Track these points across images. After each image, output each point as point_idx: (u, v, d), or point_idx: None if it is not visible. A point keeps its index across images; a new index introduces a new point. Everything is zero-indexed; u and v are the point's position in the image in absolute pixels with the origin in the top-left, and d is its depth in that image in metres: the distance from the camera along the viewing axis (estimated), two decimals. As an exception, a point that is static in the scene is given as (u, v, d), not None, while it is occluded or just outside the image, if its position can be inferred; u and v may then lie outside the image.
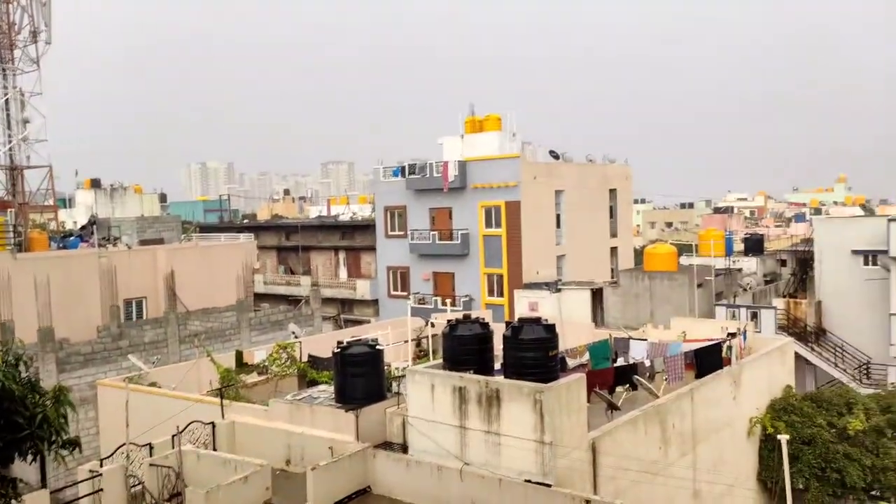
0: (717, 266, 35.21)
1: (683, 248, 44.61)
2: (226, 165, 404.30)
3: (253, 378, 20.76)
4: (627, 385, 17.78)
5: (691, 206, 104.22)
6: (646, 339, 21.66)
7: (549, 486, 13.01)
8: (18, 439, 7.66)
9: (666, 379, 18.34)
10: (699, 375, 18.52)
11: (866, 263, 31.43)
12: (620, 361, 19.79)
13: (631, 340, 21.40)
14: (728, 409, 19.04)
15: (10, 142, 39.05)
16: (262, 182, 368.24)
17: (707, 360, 19.05)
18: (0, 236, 30.98)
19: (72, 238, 39.54)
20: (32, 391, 7.98)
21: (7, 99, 38.75)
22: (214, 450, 16.41)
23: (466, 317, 15.32)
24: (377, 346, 16.40)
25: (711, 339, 20.32)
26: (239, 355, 22.14)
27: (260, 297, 45.75)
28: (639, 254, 45.01)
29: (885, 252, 29.71)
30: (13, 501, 8.12)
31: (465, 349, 14.63)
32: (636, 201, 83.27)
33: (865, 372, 30.47)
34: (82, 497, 15.56)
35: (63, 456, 8.10)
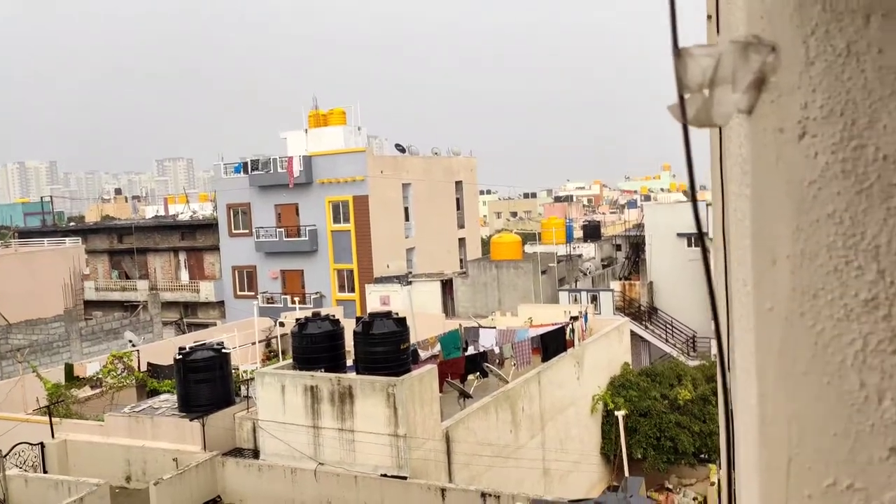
0: (559, 253, 36.86)
1: (528, 237, 46.41)
2: (47, 164, 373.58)
3: (86, 392, 19.33)
4: (478, 373, 18.21)
5: (534, 195, 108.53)
6: (495, 327, 22.29)
7: (405, 478, 13.08)
8: None
9: (514, 364, 18.96)
10: (545, 359, 19.30)
11: (689, 245, 34.07)
12: (471, 350, 20.23)
13: (480, 329, 21.95)
14: (572, 389, 20.00)
15: None
16: (90, 181, 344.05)
17: (552, 344, 19.90)
18: None
19: None
20: None
21: None
22: (45, 472, 15.16)
23: (316, 314, 15.08)
24: (223, 350, 15.76)
25: (556, 324, 21.22)
26: (69, 369, 20.49)
27: (92, 305, 42.64)
28: (486, 244, 46.25)
29: (706, 234, 32.27)
30: None
31: (315, 347, 14.39)
32: (482, 192, 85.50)
33: (692, 345, 33.08)
34: None
35: None
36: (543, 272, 32.30)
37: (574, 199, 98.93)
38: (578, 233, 48.16)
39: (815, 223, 0.80)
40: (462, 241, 45.41)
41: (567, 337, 20.61)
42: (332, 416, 13.62)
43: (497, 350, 19.29)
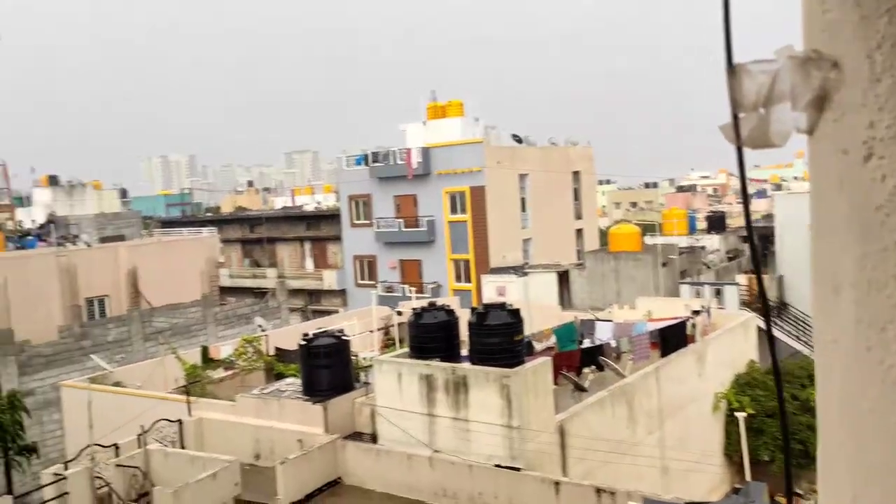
0: (681, 244, 35.65)
1: (648, 228, 45.13)
2: (188, 158, 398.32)
3: (219, 374, 20.55)
4: (594, 366, 17.93)
5: (655, 185, 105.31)
6: (611, 320, 21.87)
7: (518, 469, 13.11)
8: (-29, 448, 7.48)
9: (632, 359, 18.55)
10: (664, 354, 18.76)
11: (825, 237, 32.01)
12: (587, 343, 19.95)
13: (597, 322, 21.60)
14: (693, 386, 19.33)
15: (-40, 140, 37.98)
16: (225, 174, 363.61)
17: (672, 339, 19.31)
18: (-47, 238, 30.17)
19: (29, 238, 38.65)
20: (-15, 398, 7.79)
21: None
22: (182, 448, 16.25)
23: (432, 304, 15.33)
24: (343, 337, 16.33)
25: (676, 318, 20.58)
26: (205, 351, 21.88)
27: (225, 291, 45.24)
28: (604, 235, 45.38)
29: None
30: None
31: (430, 337, 14.64)
32: (600, 182, 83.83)
33: (826, 343, 31.11)
34: (48, 501, 15.31)
35: (20, 462, 7.94)
36: (664, 264, 31.35)
37: (698, 188, 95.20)
38: (702, 224, 46.34)
39: (882, 251, 0.74)
40: (579, 231, 44.78)
41: (688, 332, 19.94)
42: (447, 404, 13.84)
43: (614, 343, 18.93)
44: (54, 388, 24.00)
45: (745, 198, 0.83)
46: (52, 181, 61.42)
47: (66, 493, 14.55)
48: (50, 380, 25.52)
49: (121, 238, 38.75)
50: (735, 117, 0.78)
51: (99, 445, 15.40)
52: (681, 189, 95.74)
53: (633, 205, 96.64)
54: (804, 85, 0.75)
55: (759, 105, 0.76)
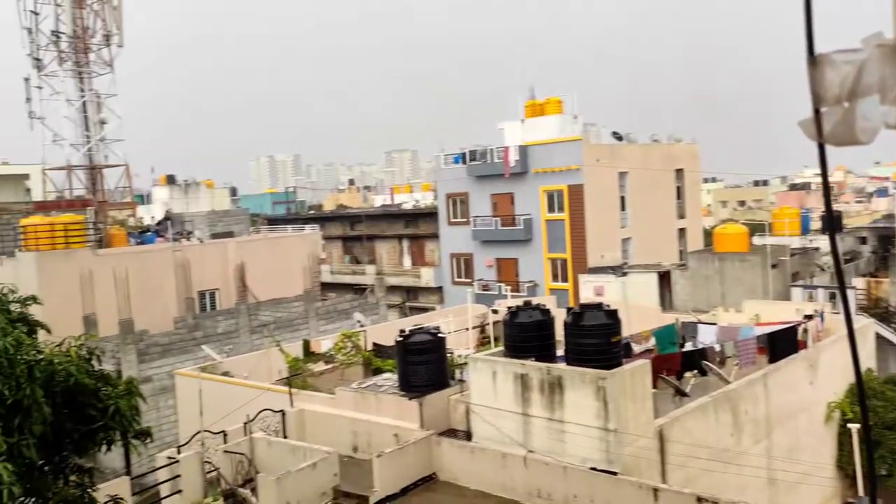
0: (793, 245, 33.97)
1: (757, 228, 43.25)
2: (293, 157, 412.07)
3: (320, 367, 21.17)
4: (696, 371, 17.37)
5: (765, 183, 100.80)
6: (715, 323, 21.12)
7: (615, 473, 12.86)
8: (93, 430, 8.02)
9: (737, 364, 17.86)
10: (773, 360, 17.95)
11: (954, 239, 29.82)
12: (689, 346, 19.35)
13: (699, 324, 20.90)
14: (804, 394, 18.40)
15: (88, 142, 40.67)
16: (328, 172, 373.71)
17: (781, 344, 18.45)
18: (81, 234, 32.35)
19: (148, 234, 41.04)
20: (106, 384, 8.33)
21: (84, 101, 40.34)
22: (284, 437, 16.84)
23: (527, 303, 15.24)
24: (439, 334, 16.48)
25: (786, 322, 19.65)
26: (306, 344, 22.60)
27: (326, 287, 46.54)
28: (709, 234, 43.83)
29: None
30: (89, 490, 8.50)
31: (526, 336, 14.56)
32: (706, 180, 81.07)
33: (954, 353, 28.95)
34: (162, 482, 16.23)
35: (136, 446, 8.44)
36: (773, 266, 29.98)
37: (812, 186, 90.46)
38: (816, 224, 44.00)
39: None
40: (682, 231, 43.46)
41: (799, 337, 18.99)
42: (542, 405, 13.74)
43: (718, 348, 18.27)
44: (169, 376, 25.40)
45: (828, 198, 0.79)
46: (170, 180, 65.04)
47: (178, 476, 15.37)
48: (166, 368, 27.00)
49: (230, 234, 40.53)
50: (817, 112, 0.73)
51: (208, 432, 16.17)
52: (793, 187, 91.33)
53: (741, 203, 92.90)
54: (894, 76, 0.70)
55: (844, 99, 0.72)
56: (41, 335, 8.49)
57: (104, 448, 8.31)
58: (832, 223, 0.87)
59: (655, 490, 12.38)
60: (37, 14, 38.83)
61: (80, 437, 8.07)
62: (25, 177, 50.48)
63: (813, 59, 0.72)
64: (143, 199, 67.60)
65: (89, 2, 39.97)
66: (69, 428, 8.02)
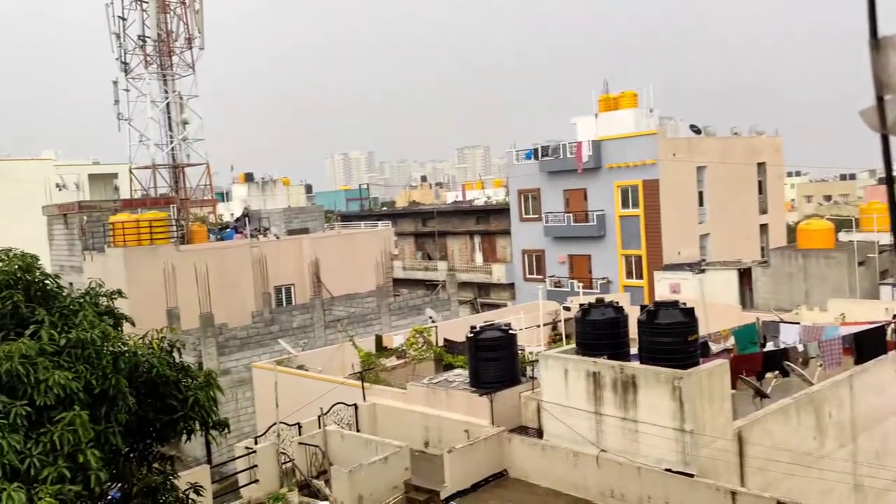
0: (882, 242, 32.36)
1: (843, 224, 41.42)
2: (366, 155, 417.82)
3: (392, 362, 21.41)
4: (777, 371, 16.77)
5: (853, 177, 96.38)
6: (798, 323, 20.35)
7: (691, 476, 12.56)
8: (174, 420, 8.33)
9: (821, 365, 17.15)
10: (859, 361, 17.16)
11: None
12: (770, 346, 18.70)
13: (781, 323, 20.18)
14: (894, 397, 17.53)
15: (171, 142, 42.24)
16: (401, 169, 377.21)
17: (869, 345, 17.61)
18: (165, 230, 33.65)
19: (227, 230, 42.33)
20: (186, 375, 8.64)
21: (168, 102, 41.91)
22: (357, 430, 17.11)
23: (599, 300, 15.01)
24: (510, 331, 16.43)
25: (874, 322, 18.76)
26: (378, 339, 22.89)
27: (399, 283, 47.01)
28: (792, 230, 42.23)
29: None
30: (171, 478, 8.83)
31: (598, 334, 14.36)
32: (789, 174, 78.10)
33: None
34: (240, 471, 16.74)
35: (214, 436, 8.72)
36: (861, 263, 28.64)
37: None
38: (908, 219, 41.72)
39: None
40: (764, 227, 42.01)
41: (888, 338, 18.10)
42: (615, 404, 13.52)
43: (800, 348, 17.58)
44: (247, 369, 26.16)
45: (892, 193, 0.74)
46: (248, 178, 66.89)
47: (255, 466, 15.82)
48: (244, 360, 27.81)
49: (305, 231, 41.40)
50: (880, 100, 0.68)
51: (284, 424, 16.59)
52: (882, 181, 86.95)
53: (827, 198, 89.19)
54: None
55: (913, 85, 0.66)
56: (126, 328, 8.87)
57: (185, 437, 8.63)
58: (895, 216, 0.81)
59: (733, 493, 12.03)
60: (124, 20, 40.55)
61: (162, 426, 8.40)
62: (114, 176, 52.85)
63: (876, 43, 0.67)
64: (223, 196, 69.77)
65: (173, 6, 41.48)
66: (152, 417, 8.35)
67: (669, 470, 12.76)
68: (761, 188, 42.20)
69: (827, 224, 32.52)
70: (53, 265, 36.30)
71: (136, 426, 8.25)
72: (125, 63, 40.71)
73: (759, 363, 16.67)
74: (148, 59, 40.88)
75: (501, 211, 49.28)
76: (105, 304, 8.77)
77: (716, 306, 23.21)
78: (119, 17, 40.51)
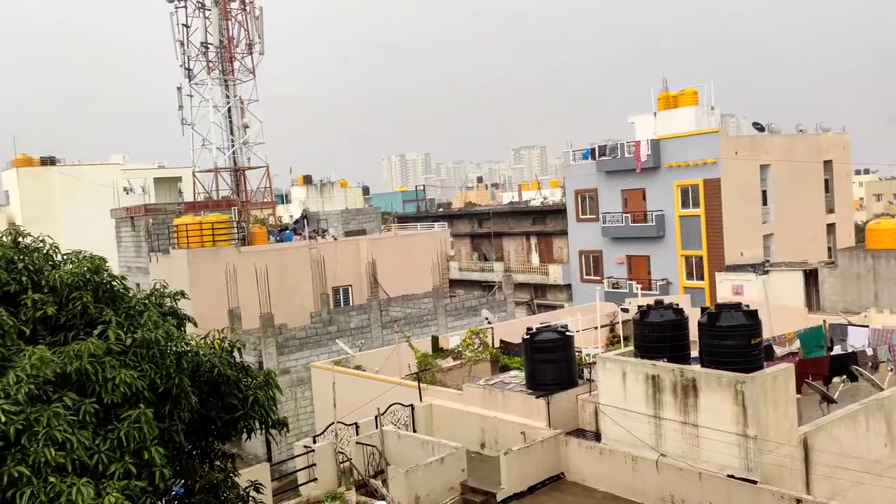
0: (959, 241, 30.92)
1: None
2: (423, 156, 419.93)
3: (448, 363, 21.44)
4: (845, 376, 16.19)
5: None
6: (868, 326, 19.60)
7: (754, 482, 12.23)
8: (234, 419, 8.51)
9: (891, 369, 16.50)
10: (934, 366, 16.45)
11: None
12: (837, 350, 18.08)
13: (850, 327, 19.48)
14: (972, 405, 16.73)
15: (233, 146, 43.22)
16: (457, 170, 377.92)
17: (944, 349, 16.87)
18: (226, 232, 34.43)
19: (287, 232, 43.08)
20: (246, 375, 8.81)
21: (229, 107, 42.89)
22: (413, 431, 17.18)
23: (659, 302, 14.75)
24: (567, 333, 16.27)
25: (950, 326, 17.95)
26: (435, 340, 22.95)
27: (455, 284, 47.05)
28: (861, 230, 40.74)
29: None
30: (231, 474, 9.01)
31: (657, 336, 14.10)
32: (857, 172, 75.38)
33: None
34: (299, 470, 17.00)
35: (273, 434, 8.88)
36: (936, 264, 27.42)
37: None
38: None
39: None
40: (831, 227, 40.63)
41: (965, 342, 17.29)
42: (675, 408, 13.25)
43: (870, 352, 16.95)
44: (306, 368, 26.56)
45: None
46: (307, 180, 67.99)
47: (314, 465, 16.04)
48: (303, 360, 28.24)
49: (363, 232, 41.83)
50: None
51: (342, 423, 16.78)
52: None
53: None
54: None
55: None
56: (188, 328, 9.10)
57: (245, 436, 8.80)
58: None
59: (798, 501, 11.68)
60: (188, 27, 41.67)
61: (223, 424, 8.58)
62: (178, 179, 54.35)
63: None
64: (283, 198, 71.05)
65: (234, 13, 42.45)
66: (213, 416, 8.54)
67: (732, 476, 12.46)
68: (828, 187, 40.84)
69: (898, 223, 31.23)
70: (121, 267, 37.55)
71: (199, 424, 8.45)
72: (189, 69, 41.83)
73: (826, 367, 16.12)
74: (210, 65, 41.92)
75: (558, 211, 48.88)
76: (169, 304, 9.01)
77: (780, 308, 22.54)
78: (183, 24, 41.64)
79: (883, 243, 28.95)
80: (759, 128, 39.71)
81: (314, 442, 16.83)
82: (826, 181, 40.76)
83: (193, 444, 8.77)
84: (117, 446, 7.10)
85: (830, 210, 40.78)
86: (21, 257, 8.44)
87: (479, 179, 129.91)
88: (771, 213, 38.16)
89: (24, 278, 8.22)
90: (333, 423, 16.73)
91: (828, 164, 40.67)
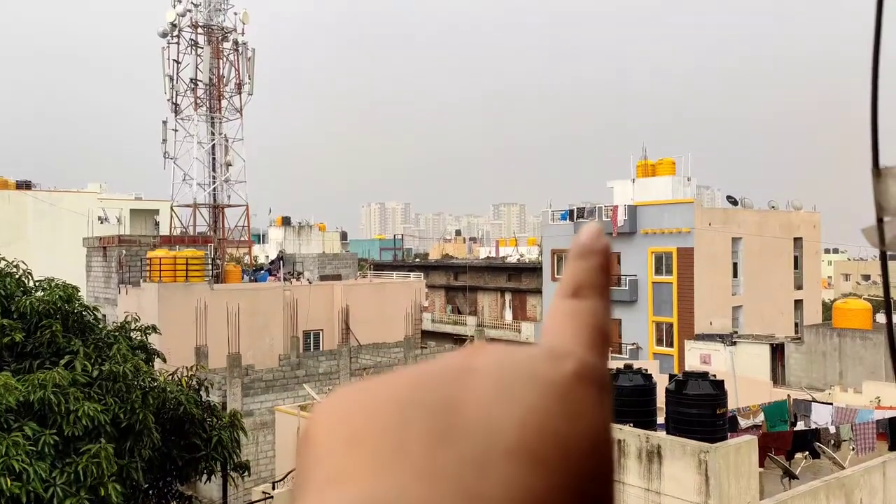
0: (922, 325, 31.60)
1: (881, 305, 40.61)
2: (403, 205, 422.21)
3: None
4: (807, 452, 16.32)
5: (894, 258, 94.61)
6: (831, 403, 19.86)
7: (713, 554, 12.19)
8: (196, 459, 8.39)
9: (853, 448, 16.66)
10: (894, 447, 16.65)
11: None
12: (801, 425, 18.24)
13: (814, 403, 19.70)
14: (930, 489, 16.89)
15: (213, 182, 43.26)
16: (436, 222, 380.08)
17: (904, 431, 17.10)
18: (200, 268, 34.21)
19: (261, 272, 42.86)
20: (211, 415, 8.73)
21: (213, 144, 43.07)
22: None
23: (628, 366, 14.87)
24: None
25: (911, 408, 18.23)
26: (403, 391, 22.75)
27: (427, 335, 46.91)
28: (828, 308, 41.52)
29: None
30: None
31: (625, 400, 14.17)
32: (827, 251, 77.07)
33: None
34: (255, 516, 16.62)
35: (234, 478, 8.76)
36: (899, 346, 27.95)
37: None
38: (951, 303, 40.79)
39: None
40: (798, 303, 41.34)
41: (926, 425, 17.54)
42: (639, 473, 13.25)
43: (832, 429, 17.12)
44: (270, 412, 26.15)
45: (889, 307, 0.80)
46: (285, 222, 67.93)
47: (271, 511, 15.72)
48: (267, 403, 27.80)
49: (338, 277, 41.75)
50: (879, 221, 0.76)
51: (302, 470, 16.48)
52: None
53: (866, 278, 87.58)
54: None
55: (908, 211, 0.74)
56: (157, 363, 9.02)
57: (204, 477, 8.67)
58: (892, 332, 0.86)
59: (757, 577, 11.64)
60: (178, 63, 42.08)
61: (184, 464, 8.46)
62: (156, 212, 54.09)
63: (878, 172, 0.75)
64: (259, 238, 70.81)
65: (226, 53, 42.99)
66: (175, 455, 8.42)
67: (692, 547, 12.41)
68: (797, 263, 41.69)
69: (865, 304, 31.94)
70: (89, 296, 36.99)
71: (159, 462, 8.32)
72: (176, 104, 42.09)
73: (789, 442, 16.25)
74: (198, 101, 42.23)
75: (533, 269, 49.26)
76: (139, 338, 8.95)
77: (746, 380, 22.75)
78: (174, 60, 42.04)
79: (850, 322, 29.52)
80: (733, 201, 40.66)
81: (273, 488, 16.49)
82: (796, 258, 41.62)
83: (151, 484, 8.61)
84: (74, 480, 6.97)
85: (799, 286, 41.54)
86: (-7, 281, 8.37)
87: (458, 232, 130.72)
88: (741, 284, 38.78)
89: (-6, 302, 8.14)
90: (294, 469, 16.45)
91: (798, 241, 41.60)
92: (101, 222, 50.51)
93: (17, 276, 8.86)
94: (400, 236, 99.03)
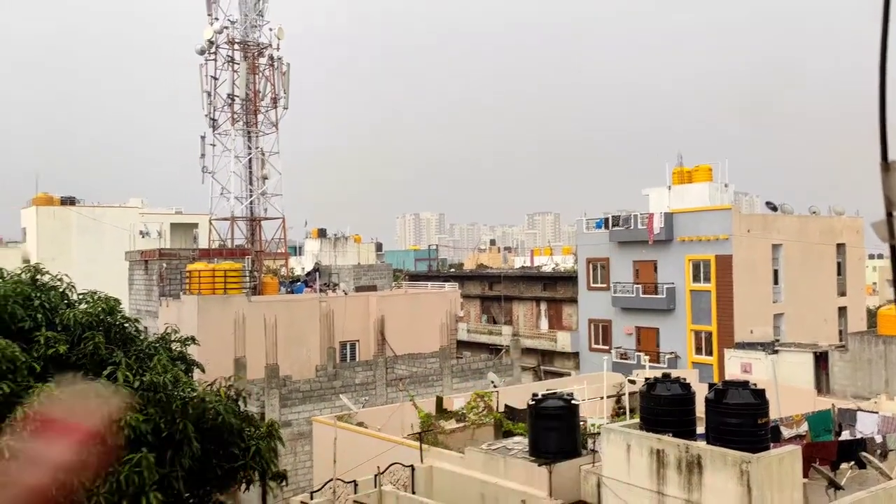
0: (972, 332, 30.63)
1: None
2: (437, 216, 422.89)
3: (451, 424, 21.22)
4: (853, 462, 15.90)
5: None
6: (877, 412, 19.33)
7: (756, 567, 11.93)
8: (235, 469, 8.49)
9: (902, 459, 16.19)
10: (944, 458, 16.15)
11: None
12: (846, 435, 17.79)
13: (859, 412, 19.21)
14: (983, 500, 16.34)
15: (251, 196, 43.85)
16: (471, 232, 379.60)
17: (955, 441, 16.58)
18: (238, 281, 34.65)
19: (298, 284, 43.25)
20: (250, 425, 8.83)
21: (250, 158, 43.69)
22: (413, 493, 16.93)
23: (666, 375, 14.67)
24: (573, 401, 16.15)
25: (961, 417, 17.68)
26: (439, 401, 22.78)
27: (462, 345, 46.84)
28: (873, 315, 40.49)
29: None
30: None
31: (663, 410, 13.98)
32: (871, 256, 75.21)
33: None
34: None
35: (272, 487, 8.83)
36: (949, 353, 27.15)
37: None
38: None
39: None
40: (842, 310, 40.41)
41: (977, 435, 16.99)
42: (678, 484, 13.06)
43: (879, 439, 16.67)
44: (308, 422, 26.33)
45: None
46: (321, 234, 68.55)
47: (309, 521, 15.79)
48: (305, 414, 28.01)
49: (373, 288, 41.94)
50: (889, 215, 0.75)
51: (340, 480, 16.57)
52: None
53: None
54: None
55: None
56: (196, 374, 9.16)
57: (244, 486, 8.77)
58: None
59: (802, 591, 11.37)
60: (216, 79, 42.82)
61: (224, 473, 8.56)
62: (195, 225, 55.01)
63: (887, 166, 0.75)
64: (296, 250, 71.49)
65: (262, 68, 43.63)
66: (214, 464, 8.54)
67: (734, 559, 12.17)
68: (840, 269, 40.80)
69: (911, 310, 31.05)
70: (131, 309, 37.73)
71: (199, 472, 8.44)
72: (213, 119, 42.81)
73: (834, 452, 15.85)
74: (235, 116, 42.89)
75: (569, 278, 48.93)
76: (178, 349, 9.10)
77: (789, 389, 22.30)
78: (212, 76, 42.80)
79: (895, 330, 28.75)
80: (773, 207, 39.97)
81: (311, 498, 16.59)
82: (839, 264, 40.74)
83: (191, 493, 8.74)
84: (116, 489, 7.10)
85: (842, 293, 40.62)
86: (38, 294, 8.59)
87: (492, 242, 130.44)
88: (782, 292, 38.06)
89: (39, 315, 8.36)
90: (332, 479, 16.54)
91: (841, 247, 40.71)
92: (143, 236, 51.54)
93: (60, 290, 9.08)
94: (434, 247, 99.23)
